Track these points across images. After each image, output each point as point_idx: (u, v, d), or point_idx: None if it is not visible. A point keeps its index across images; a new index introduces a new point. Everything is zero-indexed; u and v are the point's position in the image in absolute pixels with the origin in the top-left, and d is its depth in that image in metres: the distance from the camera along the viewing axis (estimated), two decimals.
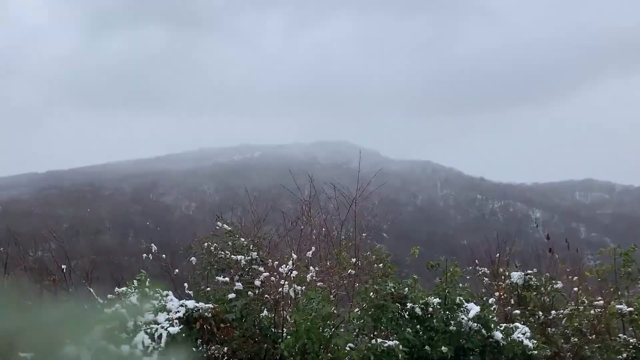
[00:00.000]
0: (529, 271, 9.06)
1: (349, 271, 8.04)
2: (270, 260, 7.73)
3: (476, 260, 9.68)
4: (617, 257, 8.94)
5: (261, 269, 7.66)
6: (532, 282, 8.86)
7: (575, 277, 9.34)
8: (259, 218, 9.12)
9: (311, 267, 7.58)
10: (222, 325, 6.43)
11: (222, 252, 7.96)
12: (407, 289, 7.26)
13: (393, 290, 7.10)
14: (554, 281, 8.90)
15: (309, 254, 7.56)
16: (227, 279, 7.61)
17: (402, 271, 9.56)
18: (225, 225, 8.57)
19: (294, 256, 7.22)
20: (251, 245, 8.16)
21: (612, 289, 8.90)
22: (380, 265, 9.00)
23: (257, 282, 7.28)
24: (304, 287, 7.18)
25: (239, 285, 7.19)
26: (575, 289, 9.07)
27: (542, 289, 8.83)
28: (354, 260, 8.21)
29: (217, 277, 7.67)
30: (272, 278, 7.24)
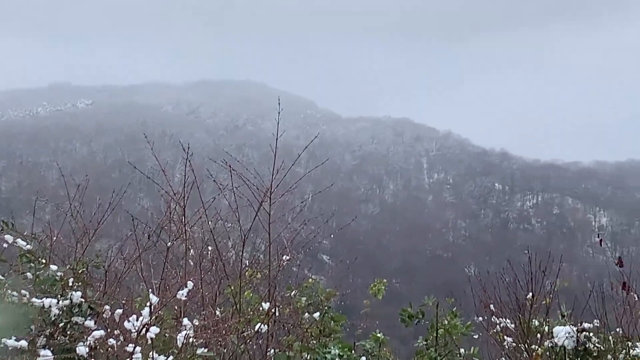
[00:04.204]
0: (586, 324, 5.73)
1: (258, 327, 4.90)
2: (107, 308, 4.79)
3: (491, 305, 6.07)
4: None
5: (91, 323, 4.63)
6: (592, 345, 5.58)
7: None
8: (87, 226, 5.41)
9: (186, 320, 4.45)
10: None
11: (14, 293, 4.65)
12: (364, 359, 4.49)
13: None
14: (630, 343, 5.68)
15: (182, 294, 4.39)
16: (24, 342, 4.33)
17: (355, 325, 6.01)
18: (20, 241, 4.93)
19: (154, 299, 4.14)
20: (71, 279, 4.81)
21: None
22: (316, 314, 5.76)
23: (83, 350, 4.28)
24: (171, 358, 4.14)
25: (46, 356, 4.26)
26: None
27: (610, 356, 5.61)
28: (266, 305, 5.05)
29: (3, 340, 4.31)
30: (112, 341, 4.38)
